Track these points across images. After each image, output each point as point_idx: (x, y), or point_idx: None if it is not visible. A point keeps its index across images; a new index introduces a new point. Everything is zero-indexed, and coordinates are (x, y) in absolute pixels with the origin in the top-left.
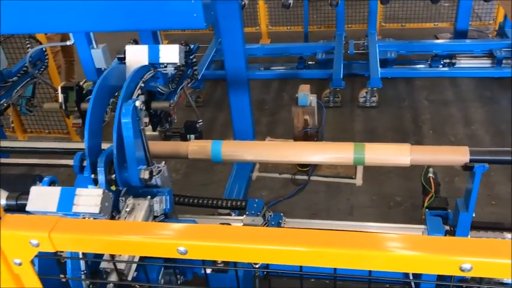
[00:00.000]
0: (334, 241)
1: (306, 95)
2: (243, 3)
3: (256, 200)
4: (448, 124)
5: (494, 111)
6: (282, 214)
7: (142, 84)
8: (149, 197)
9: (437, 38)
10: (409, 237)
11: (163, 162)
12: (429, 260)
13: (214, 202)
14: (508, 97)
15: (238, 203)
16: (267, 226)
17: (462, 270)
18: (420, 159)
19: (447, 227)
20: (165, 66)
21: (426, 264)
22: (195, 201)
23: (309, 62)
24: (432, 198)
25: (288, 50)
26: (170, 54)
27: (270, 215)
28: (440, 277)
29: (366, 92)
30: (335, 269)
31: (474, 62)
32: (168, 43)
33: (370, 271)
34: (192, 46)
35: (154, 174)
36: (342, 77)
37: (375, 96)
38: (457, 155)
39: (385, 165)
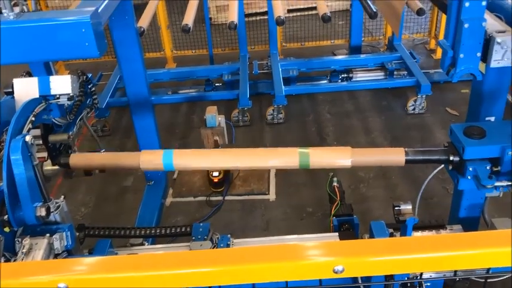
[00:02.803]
0: (209, 261)
1: (213, 116)
2: (142, 29)
3: (201, 224)
4: (350, 134)
5: (390, 118)
6: (229, 236)
7: (33, 118)
8: (48, 234)
9: (335, 55)
10: (284, 247)
11: (62, 196)
12: (304, 266)
13: (156, 231)
14: (401, 104)
15: (183, 229)
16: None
17: (335, 272)
18: (360, 161)
19: (391, 230)
20: (58, 98)
21: (301, 271)
22: (131, 232)
23: (216, 84)
24: (338, 206)
25: (194, 73)
26: (62, 85)
27: (218, 238)
28: (388, 278)
29: (273, 110)
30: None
31: (369, 75)
32: (69, 73)
33: (286, 282)
34: (90, 75)
35: (52, 210)
36: (248, 96)
37: (282, 113)
38: (394, 156)
39: (328, 167)
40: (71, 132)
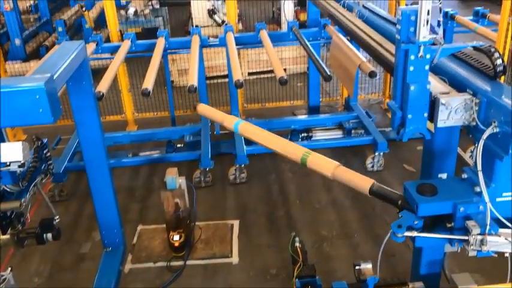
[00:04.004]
0: None
1: (173, 178)
2: (101, 94)
3: None
4: (311, 192)
5: None
6: None
7: None
8: None
9: (295, 115)
10: None
11: (9, 268)
12: None
13: None
14: (359, 162)
15: None
16: None
17: None
18: (338, 177)
19: None
20: (9, 165)
21: None
22: None
23: (178, 145)
24: (300, 267)
25: (156, 135)
26: (12, 152)
27: None
28: None
29: (235, 169)
30: None
31: (328, 134)
32: (26, 138)
33: None
34: (45, 141)
35: None
36: (210, 156)
37: (244, 173)
38: (363, 183)
39: (317, 171)
40: (23, 199)
